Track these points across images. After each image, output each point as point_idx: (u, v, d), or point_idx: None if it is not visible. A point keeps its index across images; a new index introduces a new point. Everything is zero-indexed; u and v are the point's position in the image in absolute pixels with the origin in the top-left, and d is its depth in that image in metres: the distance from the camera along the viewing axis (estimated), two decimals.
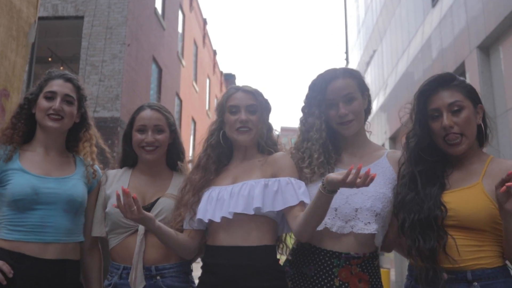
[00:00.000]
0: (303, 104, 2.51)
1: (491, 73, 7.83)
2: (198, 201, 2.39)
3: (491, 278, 1.99)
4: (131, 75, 12.67)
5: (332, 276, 2.24)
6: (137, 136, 2.60)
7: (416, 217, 2.11)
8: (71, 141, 2.69)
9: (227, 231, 2.29)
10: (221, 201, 2.32)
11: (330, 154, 2.38)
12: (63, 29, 13.20)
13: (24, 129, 2.53)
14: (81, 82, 2.67)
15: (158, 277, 2.41)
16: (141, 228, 2.43)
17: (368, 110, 2.50)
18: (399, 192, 2.26)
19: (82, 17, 12.46)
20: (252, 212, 2.25)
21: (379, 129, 15.41)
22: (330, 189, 2.02)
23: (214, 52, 28.51)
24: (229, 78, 32.84)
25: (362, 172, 2.00)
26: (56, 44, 13.36)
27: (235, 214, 2.26)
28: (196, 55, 22.68)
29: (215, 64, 28.68)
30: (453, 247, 2.03)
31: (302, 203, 2.25)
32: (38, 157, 2.51)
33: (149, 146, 2.57)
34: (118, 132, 11.43)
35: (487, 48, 8.16)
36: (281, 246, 2.51)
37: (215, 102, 27.83)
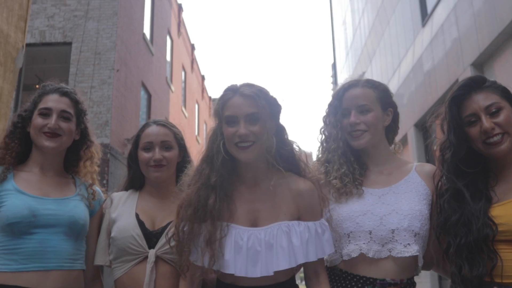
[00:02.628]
0: (324, 113, 2.38)
1: None
2: (222, 235, 1.97)
3: None
4: (121, 101, 12.52)
5: None
6: (143, 155, 2.39)
7: (463, 241, 1.94)
8: (70, 160, 2.48)
9: None
10: (253, 252, 1.93)
11: (353, 165, 2.22)
12: (50, 55, 13.05)
13: (18, 149, 2.33)
14: (79, 95, 2.47)
15: None
16: (151, 255, 2.21)
17: (392, 129, 2.37)
18: (440, 211, 2.07)
19: (70, 43, 12.33)
20: (294, 266, 1.94)
21: None
22: None
23: (203, 77, 28.53)
24: None
25: (393, 190, 1.99)
26: (44, 71, 13.17)
27: None
28: (184, 80, 22.64)
29: (203, 89, 28.66)
30: (499, 266, 1.86)
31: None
32: (34, 177, 2.30)
33: (157, 164, 2.36)
34: (108, 159, 11.22)
35: (481, 65, 8.15)
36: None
37: (204, 128, 27.73)
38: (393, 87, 13.71)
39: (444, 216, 2.04)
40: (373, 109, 2.23)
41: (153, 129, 2.44)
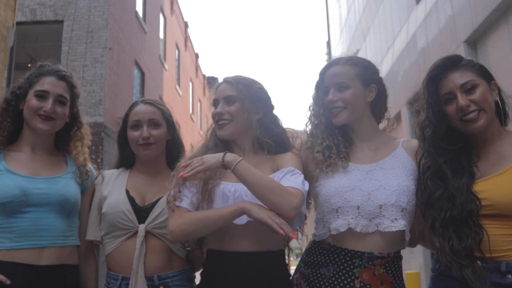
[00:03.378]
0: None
1: None
2: (212, 189, 2.14)
3: None
4: (114, 80, 12.47)
5: (353, 277, 2.09)
6: (132, 134, 2.42)
7: (448, 214, 1.99)
8: (61, 141, 2.49)
9: (243, 235, 2.09)
10: (239, 200, 2.07)
11: (337, 138, 2.27)
12: (42, 34, 12.94)
13: (10, 128, 2.33)
14: (75, 79, 2.48)
15: (161, 287, 2.23)
16: (141, 230, 2.25)
17: (378, 105, 2.37)
18: (424, 188, 2.12)
19: (61, 21, 12.22)
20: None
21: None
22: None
23: (196, 56, 28.35)
24: (212, 81, 32.64)
25: (380, 165, 2.12)
26: (35, 50, 13.08)
27: None
28: (178, 58, 22.51)
29: (197, 67, 28.51)
30: (485, 241, 1.91)
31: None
32: (24, 156, 2.31)
33: (145, 142, 2.39)
34: (102, 138, 11.22)
35: (474, 42, 8.15)
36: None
37: (198, 106, 27.67)
38: (387, 64, 13.71)
39: (427, 192, 2.08)
40: (351, 86, 2.25)
41: (140, 107, 2.47)
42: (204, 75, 31.34)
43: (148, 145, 2.40)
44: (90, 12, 12.21)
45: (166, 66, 18.93)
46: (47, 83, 2.34)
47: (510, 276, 1.87)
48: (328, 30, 27.84)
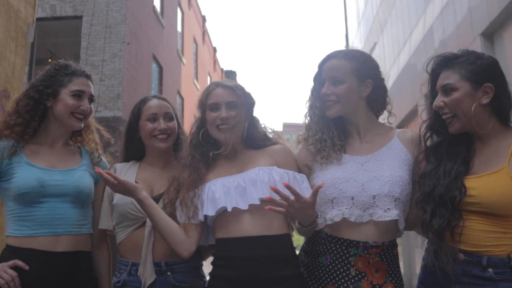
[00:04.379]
0: None
1: None
2: (196, 196, 2.29)
3: (507, 267, 1.94)
4: (132, 74, 12.62)
5: (348, 266, 2.18)
6: (148, 126, 2.55)
7: (430, 190, 2.09)
8: (73, 132, 2.63)
9: (247, 221, 2.19)
10: (240, 189, 2.22)
11: (332, 131, 2.34)
12: (62, 29, 13.13)
13: (36, 127, 2.46)
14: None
15: (168, 273, 2.35)
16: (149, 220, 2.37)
17: (376, 98, 2.41)
18: (426, 158, 2.23)
19: (80, 17, 12.40)
20: (278, 198, 2.12)
21: (382, 121, 15.31)
22: (305, 224, 2.14)
23: (214, 49, 28.46)
24: (230, 75, 32.78)
25: (375, 157, 2.20)
26: (56, 45, 13.29)
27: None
28: (196, 52, 22.62)
29: (215, 61, 28.63)
30: (470, 231, 2.00)
31: None
32: (43, 149, 2.45)
33: (162, 134, 2.54)
34: (121, 132, 11.36)
35: (490, 35, 8.08)
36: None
37: None
38: (404, 57, 13.63)
39: (423, 168, 2.21)
40: (345, 81, 2.29)
41: (155, 101, 2.61)
42: (222, 69, 31.44)
43: (166, 137, 2.55)
44: (108, 8, 12.36)
45: (184, 60, 19.04)
46: (82, 84, 2.49)
47: (490, 270, 1.95)
48: (345, 23, 27.67)
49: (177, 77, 18.02)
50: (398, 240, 2.36)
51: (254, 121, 2.45)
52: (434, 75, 2.19)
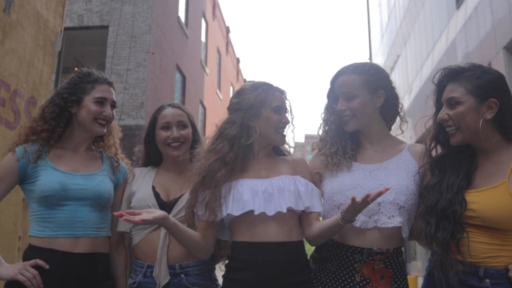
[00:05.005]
0: None
1: None
2: (227, 193, 2.29)
3: (504, 278, 1.98)
4: (156, 83, 12.80)
5: (353, 272, 2.23)
6: (162, 134, 2.62)
7: (432, 204, 2.13)
8: (96, 137, 2.71)
9: (273, 226, 2.24)
10: (268, 194, 2.26)
11: (346, 141, 2.40)
12: (88, 39, 13.39)
13: (61, 132, 2.54)
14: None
15: (182, 275, 2.41)
16: None
17: (387, 109, 2.45)
18: (431, 169, 2.27)
19: (107, 27, 12.66)
20: (302, 208, 2.25)
21: (404, 134, 15.24)
22: (349, 219, 2.11)
23: (237, 60, 28.63)
24: None
25: (384, 166, 2.23)
26: (82, 54, 13.55)
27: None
28: (219, 63, 22.79)
29: (238, 71, 28.79)
30: (465, 240, 2.04)
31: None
32: (67, 154, 2.53)
33: (175, 142, 2.60)
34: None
35: None
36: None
37: None
38: (427, 70, 13.58)
39: (427, 181, 2.24)
40: (358, 95, 2.34)
41: (169, 110, 2.68)
42: (245, 80, 31.57)
43: (179, 145, 2.61)
44: (134, 18, 12.58)
45: (207, 70, 19.21)
46: (105, 91, 2.56)
47: (487, 280, 1.99)
48: (369, 35, 27.65)
49: (200, 87, 18.18)
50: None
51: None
52: (440, 87, 2.22)
